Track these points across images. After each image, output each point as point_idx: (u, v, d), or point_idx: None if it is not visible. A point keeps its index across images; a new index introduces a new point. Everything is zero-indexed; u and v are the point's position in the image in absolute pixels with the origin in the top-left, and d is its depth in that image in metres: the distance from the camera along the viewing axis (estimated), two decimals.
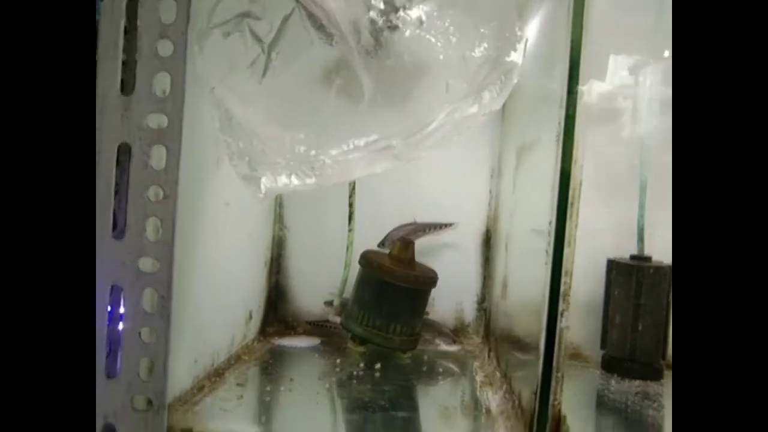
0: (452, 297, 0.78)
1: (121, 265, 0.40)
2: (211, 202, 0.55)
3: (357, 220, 0.76)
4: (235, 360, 0.63)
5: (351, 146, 0.44)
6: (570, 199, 0.39)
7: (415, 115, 0.45)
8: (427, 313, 0.75)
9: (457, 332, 0.78)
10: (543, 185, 0.44)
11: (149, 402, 0.40)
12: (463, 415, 0.53)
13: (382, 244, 0.76)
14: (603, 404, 0.60)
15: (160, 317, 0.40)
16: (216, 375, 0.57)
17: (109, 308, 0.40)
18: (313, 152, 0.44)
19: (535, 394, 0.40)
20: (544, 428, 0.39)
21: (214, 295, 0.58)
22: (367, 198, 0.77)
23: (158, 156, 0.40)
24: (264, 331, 0.76)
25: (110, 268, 0.40)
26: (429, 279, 0.71)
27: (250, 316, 0.71)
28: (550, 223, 0.40)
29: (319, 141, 0.44)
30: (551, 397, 0.39)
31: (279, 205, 0.80)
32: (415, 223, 0.77)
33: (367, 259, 0.71)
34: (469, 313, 0.79)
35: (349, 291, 0.73)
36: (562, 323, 0.39)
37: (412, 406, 0.56)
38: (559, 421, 0.39)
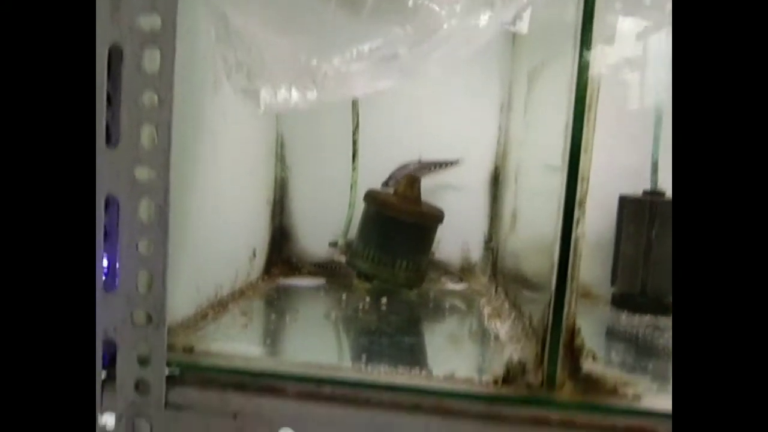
0: (458, 237, 0.77)
1: (116, 175, 0.38)
2: (208, 127, 0.53)
3: (361, 160, 0.74)
4: (239, 295, 0.62)
5: (354, 54, 0.42)
6: (588, 102, 0.37)
7: (422, 22, 0.43)
8: (433, 253, 0.74)
9: (463, 272, 0.77)
10: (558, 98, 0.42)
11: (149, 317, 0.39)
12: (470, 341, 0.52)
13: (386, 183, 0.75)
14: (613, 335, 0.59)
15: (158, 227, 0.38)
16: (219, 306, 0.56)
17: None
18: (314, 61, 0.42)
19: (549, 305, 0.38)
20: (558, 341, 0.38)
21: (215, 227, 0.56)
22: (371, 137, 0.75)
23: (152, 59, 0.38)
24: (269, 272, 0.75)
25: (105, 179, 0.38)
26: (435, 215, 0.69)
27: (254, 255, 0.70)
28: (566, 126, 0.38)
29: (321, 48, 0.42)
30: (565, 309, 0.38)
31: (280, 145, 0.78)
32: (419, 162, 0.75)
33: (372, 196, 0.69)
34: (476, 253, 0.77)
35: (353, 231, 0.72)
36: (578, 231, 0.37)
37: (419, 334, 0.55)
38: (573, 333, 0.38)
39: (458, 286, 0.74)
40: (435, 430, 0.38)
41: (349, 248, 0.72)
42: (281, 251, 0.79)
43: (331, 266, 0.76)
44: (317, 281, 0.74)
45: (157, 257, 0.39)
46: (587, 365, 0.38)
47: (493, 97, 0.75)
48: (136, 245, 0.39)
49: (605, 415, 0.37)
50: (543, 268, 0.42)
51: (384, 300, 0.63)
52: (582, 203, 0.37)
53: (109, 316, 0.39)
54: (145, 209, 0.38)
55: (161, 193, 0.38)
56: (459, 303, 0.68)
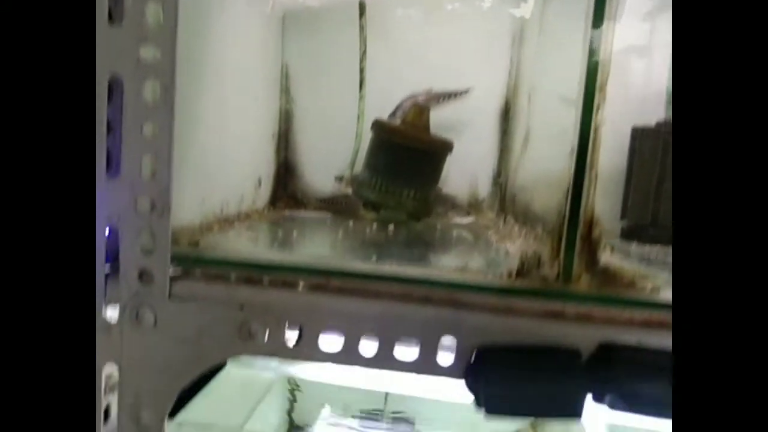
0: (466, 172, 0.75)
1: (119, 54, 0.37)
2: (214, 46, 0.51)
3: (368, 94, 0.73)
4: (245, 217, 0.61)
5: None
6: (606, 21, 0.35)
7: None
8: (440, 188, 0.73)
9: (471, 207, 0.75)
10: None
11: (153, 204, 0.38)
12: (479, 254, 0.51)
13: (393, 114, 0.73)
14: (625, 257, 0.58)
15: (163, 109, 0.37)
16: (225, 222, 0.55)
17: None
18: None
19: (566, 196, 0.37)
20: (575, 232, 0.37)
21: (219, 147, 0.54)
22: (379, 69, 0.73)
23: None
24: (274, 205, 0.74)
25: (107, 59, 0.37)
26: (443, 143, 0.68)
27: (259, 183, 0.69)
28: (585, 18, 0.36)
29: None
30: (583, 199, 0.37)
31: (285, 77, 0.76)
32: (429, 92, 0.73)
33: (380, 125, 0.68)
34: (484, 188, 0.76)
35: (360, 164, 0.71)
36: (598, 118, 0.36)
37: (427, 247, 0.54)
38: (591, 224, 0.37)
39: (465, 220, 0.73)
40: (446, 323, 0.37)
41: (355, 180, 0.70)
42: (286, 187, 0.77)
43: (337, 201, 0.75)
44: (323, 214, 0.73)
45: (162, 141, 0.37)
46: (605, 258, 0.37)
47: (505, 29, 0.73)
48: (141, 128, 0.37)
49: (622, 309, 0.36)
50: (554, 203, 0.40)
51: (391, 227, 0.62)
52: (603, 87, 0.36)
53: (112, 203, 0.38)
54: (149, 90, 0.37)
55: (167, 73, 0.36)
56: (467, 234, 0.67)
